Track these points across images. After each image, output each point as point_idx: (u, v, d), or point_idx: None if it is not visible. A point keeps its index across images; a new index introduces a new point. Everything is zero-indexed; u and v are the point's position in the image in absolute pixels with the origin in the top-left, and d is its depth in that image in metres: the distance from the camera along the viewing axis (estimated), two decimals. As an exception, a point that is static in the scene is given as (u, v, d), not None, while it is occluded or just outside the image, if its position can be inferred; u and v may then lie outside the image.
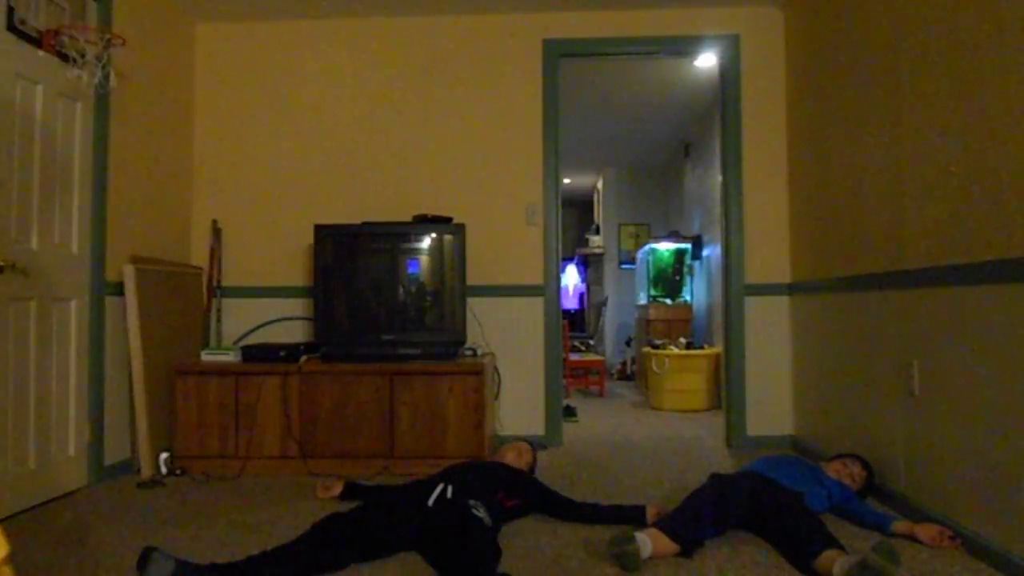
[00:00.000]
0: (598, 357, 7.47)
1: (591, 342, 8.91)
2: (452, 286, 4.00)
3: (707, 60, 4.98)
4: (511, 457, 3.15)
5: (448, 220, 4.13)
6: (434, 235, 4.03)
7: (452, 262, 4.01)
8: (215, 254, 4.46)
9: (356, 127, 4.53)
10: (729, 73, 4.45)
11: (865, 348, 3.31)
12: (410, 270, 4.05)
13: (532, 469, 3.21)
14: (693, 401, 5.95)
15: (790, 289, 4.32)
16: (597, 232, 9.74)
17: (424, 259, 4.06)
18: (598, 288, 10.00)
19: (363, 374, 3.74)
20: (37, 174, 3.17)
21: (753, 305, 4.37)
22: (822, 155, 3.84)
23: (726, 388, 4.48)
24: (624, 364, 8.66)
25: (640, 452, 4.27)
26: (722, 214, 4.54)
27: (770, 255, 4.38)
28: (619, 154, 8.73)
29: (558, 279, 4.48)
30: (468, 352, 4.17)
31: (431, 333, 4.00)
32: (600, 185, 9.83)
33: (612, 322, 9.27)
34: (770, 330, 4.35)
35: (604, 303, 9.19)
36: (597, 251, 9.59)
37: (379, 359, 3.84)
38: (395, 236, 4.05)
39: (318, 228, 4.02)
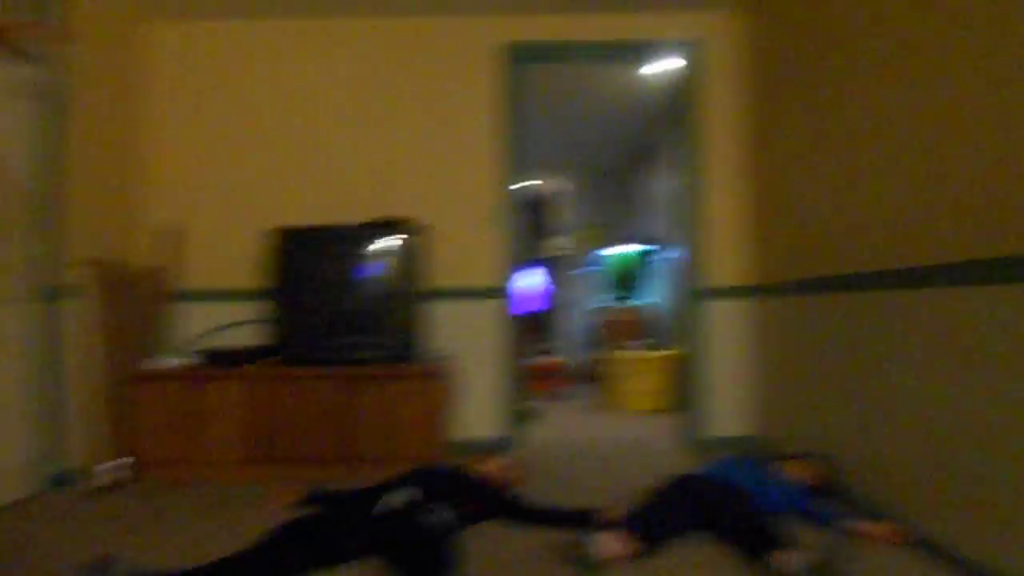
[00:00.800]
0: (559, 359, 7.50)
1: (552, 344, 8.94)
2: (410, 289, 3.99)
3: (667, 65, 5.02)
4: (493, 467, 3.14)
5: (406, 223, 4.11)
6: (392, 238, 4.01)
7: (410, 265, 3.99)
8: (171, 257, 4.38)
9: (314, 129, 4.48)
10: (689, 78, 4.51)
11: (822, 350, 3.38)
12: (368, 273, 4.02)
13: (512, 484, 3.15)
14: (653, 402, 6.02)
15: (749, 292, 4.39)
16: (557, 235, 9.78)
17: (382, 262, 4.04)
18: (558, 291, 10.03)
19: (322, 378, 3.71)
20: (-17, 174, 3.09)
21: (713, 308, 4.43)
22: (780, 160, 3.92)
23: (686, 389, 4.53)
24: (585, 366, 8.70)
25: (600, 453, 4.30)
26: (681, 218, 4.60)
27: (729, 258, 4.45)
28: (578, 157, 8.78)
29: (515, 282, 4.49)
30: (427, 355, 4.16)
31: (390, 336, 3.97)
32: (559, 188, 9.87)
33: (573, 324, 9.31)
34: (730, 332, 4.42)
35: (565, 305, 9.23)
36: (557, 254, 9.63)
37: (338, 363, 3.81)
38: (353, 239, 4.02)
39: (275, 231, 3.98)
